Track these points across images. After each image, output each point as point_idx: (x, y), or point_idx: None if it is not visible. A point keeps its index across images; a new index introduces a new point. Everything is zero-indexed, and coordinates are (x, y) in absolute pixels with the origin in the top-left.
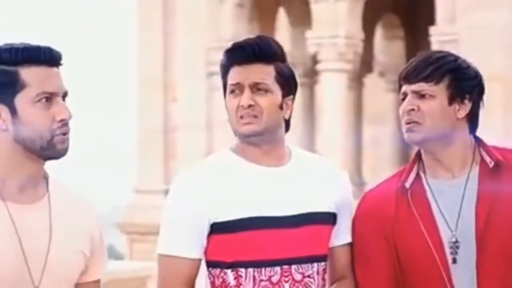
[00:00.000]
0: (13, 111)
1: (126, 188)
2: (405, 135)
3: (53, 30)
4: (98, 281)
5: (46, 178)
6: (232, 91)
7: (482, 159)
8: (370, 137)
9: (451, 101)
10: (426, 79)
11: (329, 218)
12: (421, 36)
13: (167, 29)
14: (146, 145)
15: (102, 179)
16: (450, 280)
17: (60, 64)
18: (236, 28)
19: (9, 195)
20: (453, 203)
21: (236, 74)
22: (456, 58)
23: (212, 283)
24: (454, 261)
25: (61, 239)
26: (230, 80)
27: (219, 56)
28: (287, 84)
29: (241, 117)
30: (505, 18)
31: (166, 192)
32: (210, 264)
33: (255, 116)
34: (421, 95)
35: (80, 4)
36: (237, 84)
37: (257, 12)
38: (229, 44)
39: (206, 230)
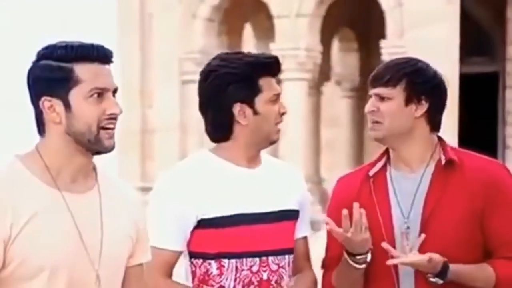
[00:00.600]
0: (67, 105)
1: None
2: (370, 133)
3: (31, 32)
4: (141, 265)
5: (95, 169)
6: (272, 100)
7: (439, 157)
8: (327, 139)
9: (407, 102)
10: (385, 83)
11: (295, 215)
12: (374, 48)
13: (144, 42)
14: (125, 146)
15: None
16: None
17: (111, 62)
18: (207, 41)
19: (63, 185)
20: (408, 194)
21: (275, 84)
22: (417, 62)
23: (194, 272)
24: (407, 244)
25: (111, 225)
26: (273, 90)
27: (191, 66)
28: None
29: (278, 123)
30: (447, 32)
31: (143, 189)
32: (193, 255)
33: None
34: (380, 98)
35: (60, 7)
36: (279, 94)
37: (226, 26)
38: (238, 55)
39: (192, 225)
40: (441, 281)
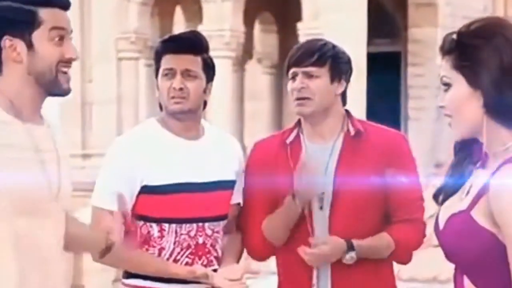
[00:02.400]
0: (30, 46)
1: None
2: (296, 109)
3: None
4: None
5: None
6: (165, 74)
7: (348, 129)
8: (250, 111)
9: (332, 80)
10: (314, 63)
11: (232, 185)
12: (291, 30)
13: (84, 23)
14: (67, 117)
15: None
16: (311, 222)
17: (69, 8)
18: (140, 23)
19: (27, 119)
20: (322, 162)
21: (170, 60)
22: (334, 45)
23: (135, 232)
24: (321, 208)
25: (63, 158)
26: (164, 65)
27: (126, 45)
28: (210, 72)
29: (172, 97)
30: (357, 16)
31: (84, 155)
32: (135, 217)
33: (184, 98)
34: (309, 76)
35: None
36: (171, 69)
37: (158, 9)
38: (166, 36)
39: (137, 190)
40: (354, 253)
